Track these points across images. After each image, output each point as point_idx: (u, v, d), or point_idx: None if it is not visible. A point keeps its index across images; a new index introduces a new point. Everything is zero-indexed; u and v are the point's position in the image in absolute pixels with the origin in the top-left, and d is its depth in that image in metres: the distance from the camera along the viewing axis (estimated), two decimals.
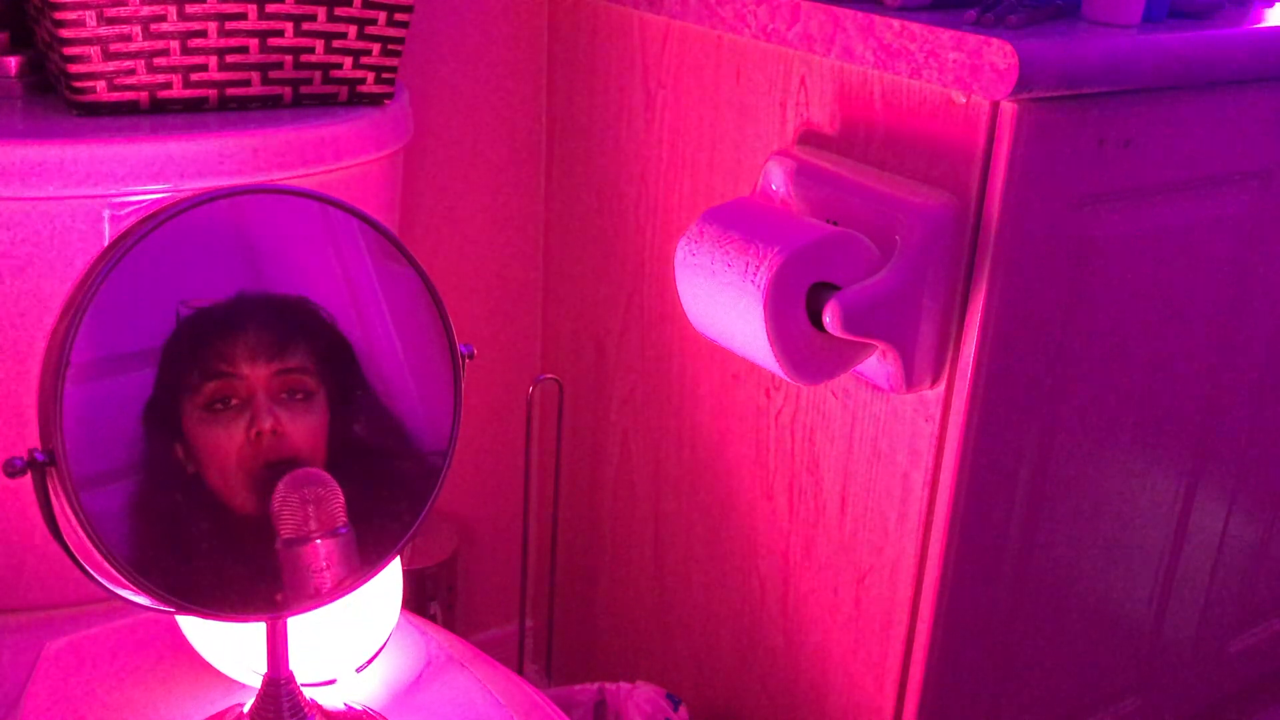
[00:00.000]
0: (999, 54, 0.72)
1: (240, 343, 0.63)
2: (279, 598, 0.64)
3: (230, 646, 0.75)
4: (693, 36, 0.98)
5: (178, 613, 0.65)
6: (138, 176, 0.78)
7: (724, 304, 0.79)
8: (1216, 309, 0.97)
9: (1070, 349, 0.87)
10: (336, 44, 0.88)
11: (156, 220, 0.59)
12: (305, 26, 0.86)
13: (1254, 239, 0.97)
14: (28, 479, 0.58)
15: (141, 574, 0.60)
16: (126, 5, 0.79)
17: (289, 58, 0.87)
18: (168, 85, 0.83)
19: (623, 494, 1.21)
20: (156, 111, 0.84)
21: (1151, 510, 1.02)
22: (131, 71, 0.82)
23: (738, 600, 1.07)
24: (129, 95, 0.82)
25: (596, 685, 1.11)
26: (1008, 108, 0.75)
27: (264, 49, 0.85)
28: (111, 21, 0.79)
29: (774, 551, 1.01)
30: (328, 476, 0.64)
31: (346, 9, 0.87)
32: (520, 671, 1.34)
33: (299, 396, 0.64)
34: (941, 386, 0.83)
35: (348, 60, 0.89)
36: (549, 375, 1.27)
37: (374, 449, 0.69)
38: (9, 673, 0.81)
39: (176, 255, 0.61)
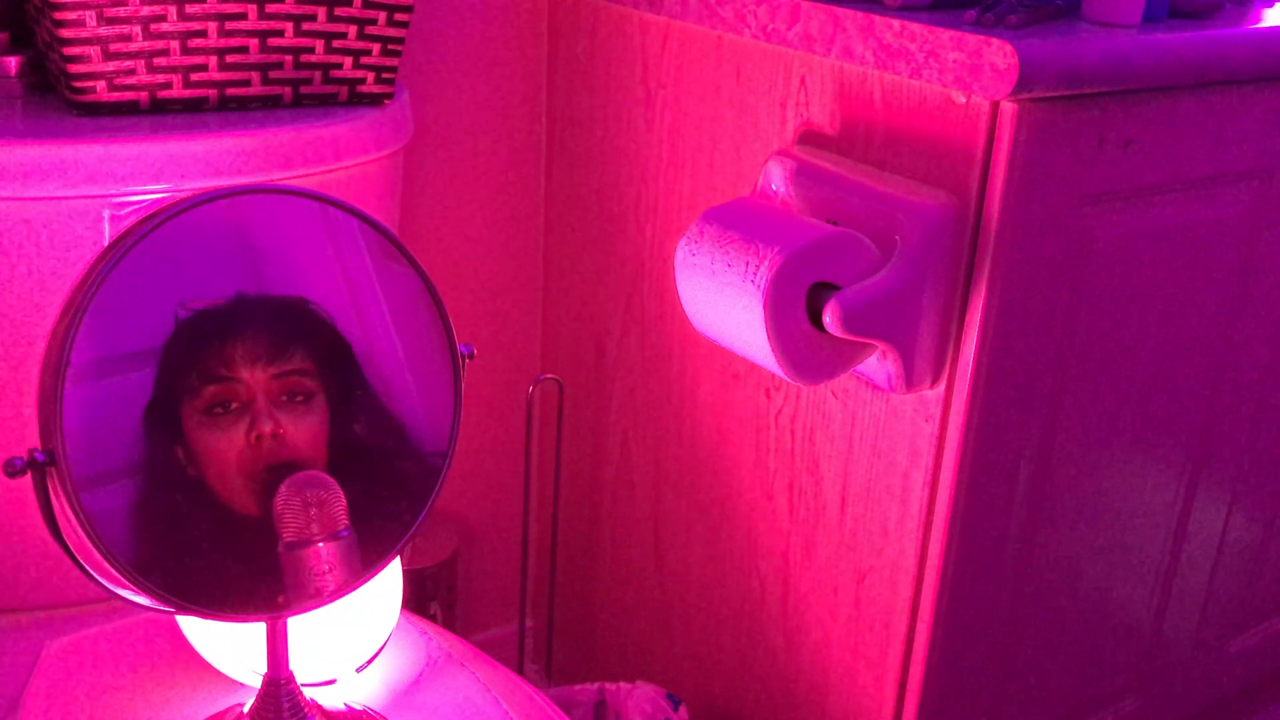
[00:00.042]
0: (999, 54, 0.72)
1: (239, 346, 0.62)
2: (280, 599, 0.64)
3: (230, 646, 0.75)
4: (693, 36, 0.98)
5: (178, 613, 0.65)
6: (138, 176, 0.78)
7: (724, 304, 0.79)
8: (1217, 309, 0.97)
9: (1070, 349, 0.87)
10: (336, 44, 0.88)
11: (156, 220, 0.59)
12: (305, 26, 0.86)
13: (1254, 239, 0.97)
14: (28, 479, 0.58)
15: (141, 574, 0.60)
16: (126, 5, 0.79)
17: (289, 58, 0.87)
18: (168, 85, 0.83)
19: (623, 494, 1.21)
20: (156, 111, 0.84)
21: (1151, 510, 1.02)
22: (131, 71, 0.82)
23: (738, 600, 1.07)
24: (129, 95, 0.82)
25: (596, 685, 1.11)
26: (1008, 108, 0.75)
27: (264, 49, 0.85)
28: (111, 21, 0.79)
29: (774, 551, 1.01)
30: (329, 479, 0.64)
31: (346, 9, 0.87)
32: (520, 671, 1.34)
33: (299, 398, 0.64)
34: (941, 386, 0.83)
35: (348, 60, 0.89)
36: (549, 375, 1.27)
37: (374, 449, 0.69)
38: (9, 673, 0.81)
39: (176, 255, 0.61)
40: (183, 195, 0.61)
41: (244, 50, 0.85)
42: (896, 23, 0.78)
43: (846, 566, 0.94)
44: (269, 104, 0.88)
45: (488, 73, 1.17)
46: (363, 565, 0.66)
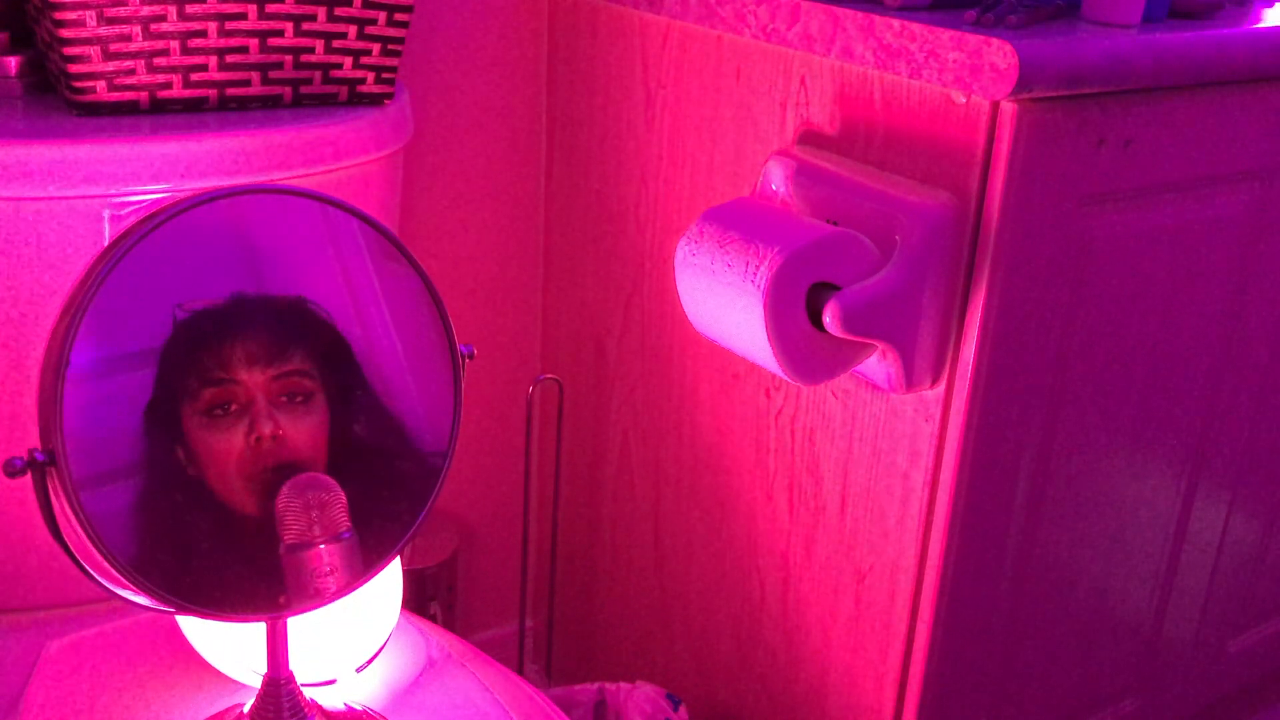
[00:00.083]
0: (999, 54, 0.72)
1: (238, 348, 0.62)
2: (280, 599, 0.64)
3: (230, 646, 0.75)
4: (693, 36, 0.98)
5: (178, 613, 0.65)
6: (138, 176, 0.78)
7: (724, 304, 0.79)
8: (1217, 309, 0.97)
9: (1070, 349, 0.87)
10: (336, 44, 0.88)
11: (156, 220, 0.59)
12: (305, 26, 0.86)
13: (1254, 239, 0.97)
14: (28, 479, 0.58)
15: (141, 574, 0.60)
16: (126, 5, 0.79)
17: (289, 58, 0.87)
18: (168, 85, 0.83)
19: (623, 494, 1.21)
20: (156, 111, 0.84)
21: (1151, 510, 1.02)
22: (131, 71, 0.82)
23: (738, 600, 1.07)
24: (129, 95, 0.82)
25: (596, 685, 1.11)
26: (1008, 108, 0.75)
27: (264, 49, 0.85)
28: (111, 21, 0.79)
29: (774, 551, 1.01)
30: (331, 481, 0.64)
31: (346, 9, 0.87)
32: (520, 671, 1.34)
33: (298, 399, 0.64)
34: (941, 386, 0.83)
35: (348, 60, 0.89)
36: (549, 375, 1.27)
37: (374, 449, 0.69)
38: (9, 673, 0.81)
39: (176, 256, 0.61)
40: (183, 195, 0.61)
41: (244, 50, 0.85)
42: (896, 23, 0.78)
43: (846, 566, 0.94)
44: (269, 104, 0.88)
45: (488, 73, 1.17)
46: (363, 566, 0.66)
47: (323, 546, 0.63)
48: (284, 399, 0.64)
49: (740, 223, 0.79)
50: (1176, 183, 0.88)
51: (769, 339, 0.76)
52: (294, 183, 0.83)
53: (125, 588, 0.61)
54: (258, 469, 0.63)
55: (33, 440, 0.59)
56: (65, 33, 0.79)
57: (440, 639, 0.86)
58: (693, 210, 1.03)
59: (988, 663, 0.95)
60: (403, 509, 0.69)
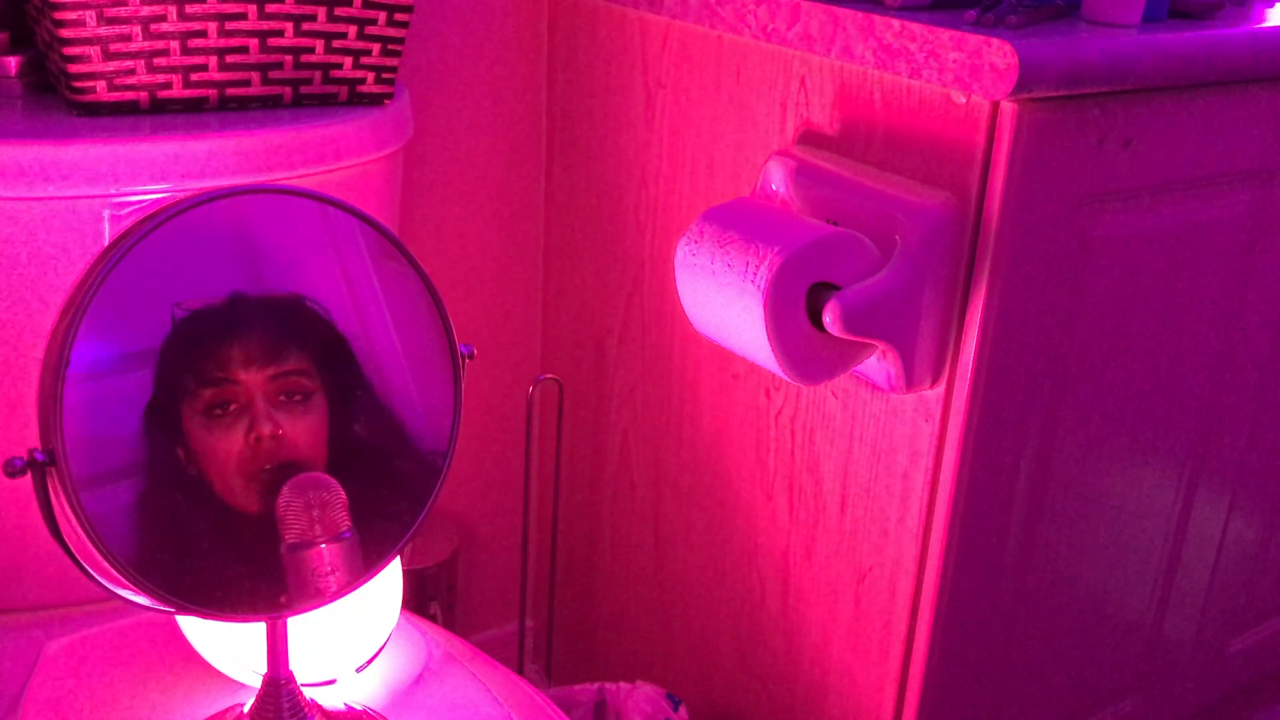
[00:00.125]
0: (999, 54, 0.72)
1: (236, 348, 0.62)
2: (281, 599, 0.64)
3: (230, 646, 0.75)
4: (693, 36, 0.98)
5: (178, 613, 0.65)
6: (138, 176, 0.78)
7: (724, 304, 0.79)
8: (1216, 309, 0.97)
9: (1070, 349, 0.87)
10: (336, 44, 0.88)
11: (156, 220, 0.59)
12: (305, 26, 0.86)
13: (1254, 239, 0.97)
14: (28, 479, 0.58)
15: (141, 574, 0.60)
16: (126, 5, 0.79)
17: (289, 58, 0.87)
18: (168, 85, 0.83)
19: (623, 494, 1.21)
20: (156, 111, 0.84)
21: (1151, 510, 1.02)
22: (131, 71, 0.82)
23: (738, 600, 1.07)
24: (129, 95, 0.82)
25: (596, 685, 1.11)
26: (1008, 108, 0.75)
27: (264, 49, 0.85)
28: (111, 21, 0.79)
29: (774, 551, 1.01)
30: (331, 480, 0.64)
31: (346, 9, 0.87)
32: (520, 671, 1.34)
33: (297, 398, 0.64)
34: (941, 386, 0.83)
35: (348, 60, 0.89)
36: (549, 375, 1.27)
37: (374, 449, 0.69)
38: (9, 673, 0.81)
39: (176, 256, 0.61)
40: (183, 195, 0.61)
41: (244, 50, 0.85)
42: (896, 23, 0.78)
43: (846, 566, 0.94)
44: (269, 104, 0.88)
45: (488, 73, 1.17)
46: (364, 566, 0.66)
47: (324, 546, 0.63)
48: (283, 398, 0.64)
49: (740, 223, 0.79)
50: (1176, 183, 0.88)
51: (769, 339, 0.76)
52: (294, 183, 0.83)
53: (125, 588, 0.61)
54: (258, 468, 0.63)
55: (33, 440, 0.59)
56: (65, 33, 0.79)
57: (440, 639, 0.86)
58: (693, 210, 1.03)
59: (988, 663, 0.95)
60: (403, 509, 0.69)
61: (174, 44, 0.82)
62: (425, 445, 0.70)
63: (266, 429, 0.63)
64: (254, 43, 0.85)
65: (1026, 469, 0.89)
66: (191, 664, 0.80)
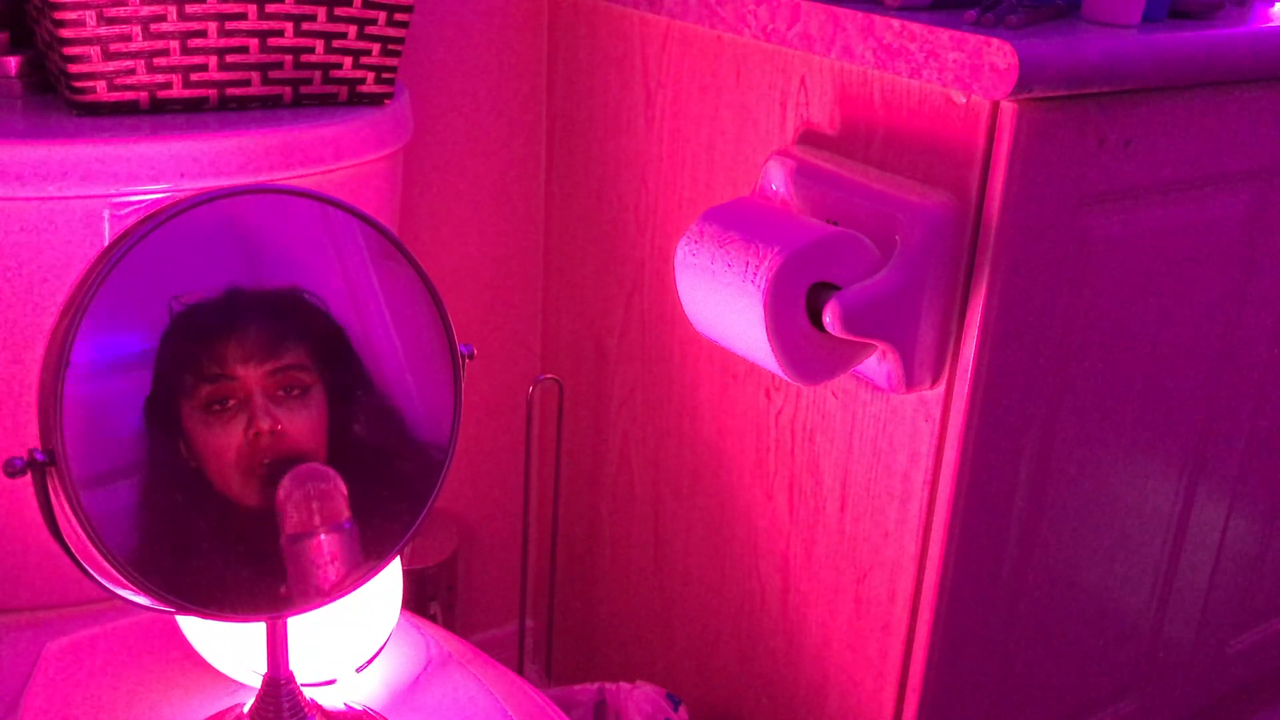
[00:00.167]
0: (999, 54, 0.72)
1: (233, 344, 0.62)
2: (282, 592, 0.64)
3: (230, 646, 0.75)
4: (693, 36, 0.98)
5: (178, 613, 0.65)
6: (138, 176, 0.78)
7: (724, 304, 0.79)
8: (1217, 309, 0.97)
9: (1070, 349, 0.87)
10: (336, 44, 0.88)
11: (156, 220, 0.59)
12: (305, 26, 0.86)
13: (1254, 239, 0.97)
14: (28, 479, 0.58)
15: (141, 574, 0.60)
16: (126, 5, 0.79)
17: (289, 58, 0.87)
18: (168, 85, 0.83)
19: (623, 494, 1.21)
20: (156, 111, 0.84)
21: (1151, 510, 1.02)
22: (131, 71, 0.82)
23: (738, 600, 1.07)
24: (129, 95, 0.82)
25: (596, 685, 1.11)
26: (1008, 108, 0.75)
27: (264, 49, 0.85)
28: (111, 21, 0.79)
29: (774, 551, 1.01)
30: (331, 471, 0.64)
31: (346, 9, 0.87)
32: (520, 671, 1.34)
33: (295, 393, 0.64)
34: (941, 386, 0.83)
35: (348, 60, 0.89)
36: (549, 375, 1.27)
37: (374, 448, 0.69)
38: (9, 673, 0.81)
39: (176, 256, 0.61)
40: (183, 195, 0.61)
41: (244, 50, 0.85)
42: (896, 23, 0.78)
43: (846, 566, 0.94)
44: (269, 104, 0.88)
45: (488, 73, 1.17)
46: (363, 564, 0.66)
47: (323, 536, 0.63)
48: (281, 393, 0.64)
49: (740, 223, 0.79)
50: (1176, 183, 0.88)
51: (769, 339, 0.76)
52: (294, 183, 0.83)
53: (125, 588, 0.61)
54: (257, 463, 0.63)
55: (33, 440, 0.59)
56: (65, 33, 0.79)
57: (440, 639, 0.86)
58: (693, 210, 1.03)
59: (988, 663, 0.95)
60: (403, 509, 0.69)
61: (174, 44, 0.82)
62: (425, 445, 0.70)
63: (265, 424, 0.63)
64: (254, 43, 0.85)
65: (1026, 469, 0.89)
66: (191, 664, 0.80)
